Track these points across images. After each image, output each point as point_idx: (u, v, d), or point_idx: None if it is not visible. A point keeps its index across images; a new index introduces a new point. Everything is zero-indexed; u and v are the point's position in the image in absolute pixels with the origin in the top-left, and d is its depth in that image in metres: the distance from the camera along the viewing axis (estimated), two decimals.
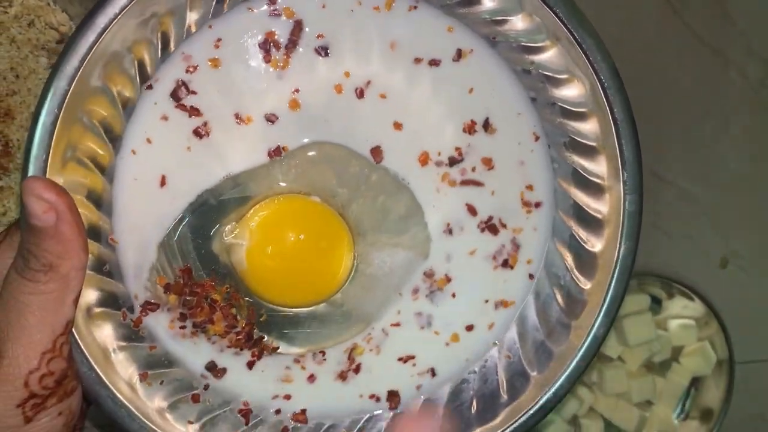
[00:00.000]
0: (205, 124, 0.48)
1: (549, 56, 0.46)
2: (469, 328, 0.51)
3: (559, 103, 0.48)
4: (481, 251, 0.51)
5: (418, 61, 0.48)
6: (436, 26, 0.48)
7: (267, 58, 0.47)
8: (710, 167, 0.76)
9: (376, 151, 0.49)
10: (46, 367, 0.41)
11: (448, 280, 0.51)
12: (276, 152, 0.49)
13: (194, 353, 0.50)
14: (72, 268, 0.41)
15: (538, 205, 0.50)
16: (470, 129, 0.49)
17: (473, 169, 0.50)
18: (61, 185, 0.41)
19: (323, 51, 0.48)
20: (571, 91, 0.47)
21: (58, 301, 0.41)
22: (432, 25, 0.48)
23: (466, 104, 0.49)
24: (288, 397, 0.50)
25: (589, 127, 0.47)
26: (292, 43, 0.47)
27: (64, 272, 0.41)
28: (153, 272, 0.49)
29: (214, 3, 0.46)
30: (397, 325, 0.51)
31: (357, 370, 0.51)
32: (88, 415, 0.64)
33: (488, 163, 0.50)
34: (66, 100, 0.42)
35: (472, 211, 0.50)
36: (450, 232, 0.50)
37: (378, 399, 0.51)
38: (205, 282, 0.49)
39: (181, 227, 0.49)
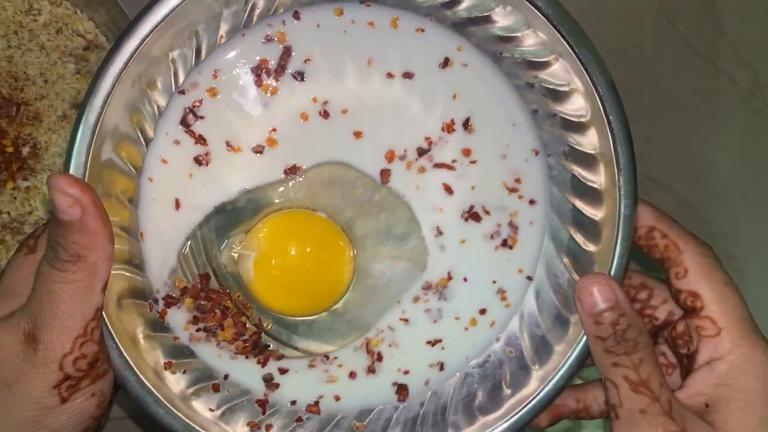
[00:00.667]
0: (207, 154, 0.50)
1: (551, 71, 0.48)
2: (483, 311, 0.53)
3: (560, 115, 0.49)
4: (472, 237, 0.52)
5: (408, 75, 0.51)
6: (444, 44, 0.50)
7: (258, 83, 0.49)
8: (703, 172, 0.76)
9: (385, 173, 0.51)
10: (79, 350, 0.43)
11: (450, 278, 0.53)
12: (292, 170, 0.51)
13: (210, 356, 0.52)
14: (99, 258, 0.43)
15: (532, 202, 0.52)
16: (449, 128, 0.51)
17: (453, 161, 0.52)
18: (84, 181, 0.44)
19: (299, 76, 0.50)
20: (571, 104, 0.48)
21: (88, 288, 0.43)
22: (439, 43, 0.50)
23: (450, 107, 0.51)
24: (337, 398, 0.53)
25: (587, 138, 0.48)
26: (281, 68, 0.49)
27: (91, 262, 0.43)
28: (173, 273, 0.51)
29: (245, 15, 0.48)
30: (406, 320, 0.53)
31: (380, 358, 0.53)
32: (121, 406, 0.66)
33: (468, 153, 0.51)
34: (108, 100, 0.44)
35: (448, 190, 0.52)
36: (440, 233, 0.52)
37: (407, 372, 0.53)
38: (220, 289, 0.52)
39: (197, 236, 0.51)
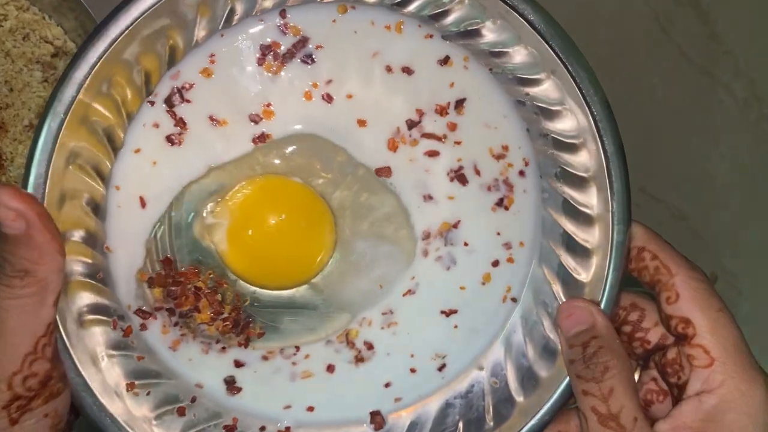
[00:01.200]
0: (180, 133, 0.48)
1: (543, 89, 0.47)
2: (495, 263, 0.52)
3: (552, 135, 0.48)
4: (470, 191, 0.51)
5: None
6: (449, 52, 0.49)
7: (261, 63, 0.48)
8: (699, 184, 0.76)
9: (384, 171, 0.50)
10: (29, 368, 0.41)
11: (455, 225, 0.51)
12: (260, 139, 0.49)
13: (189, 367, 0.50)
14: (49, 271, 0.41)
15: (521, 173, 0.51)
16: (442, 111, 0.50)
17: (444, 137, 0.50)
18: (29, 193, 0.42)
19: (308, 59, 0.49)
20: (564, 124, 0.47)
21: (38, 304, 0.41)
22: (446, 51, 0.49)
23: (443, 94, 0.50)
24: (311, 409, 0.51)
25: (580, 159, 0.47)
26: (290, 54, 0.48)
27: (41, 276, 0.41)
28: (139, 275, 0.49)
29: (222, 21, 0.46)
30: (410, 292, 0.52)
31: (370, 347, 0.52)
32: None
33: (453, 127, 0.50)
34: (72, 107, 0.43)
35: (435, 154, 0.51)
36: (430, 197, 0.51)
37: (414, 370, 0.52)
38: (187, 270, 0.50)
39: (164, 222, 0.49)
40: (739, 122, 0.76)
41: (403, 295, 0.52)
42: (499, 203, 0.51)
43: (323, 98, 0.49)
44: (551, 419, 0.47)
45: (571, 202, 0.48)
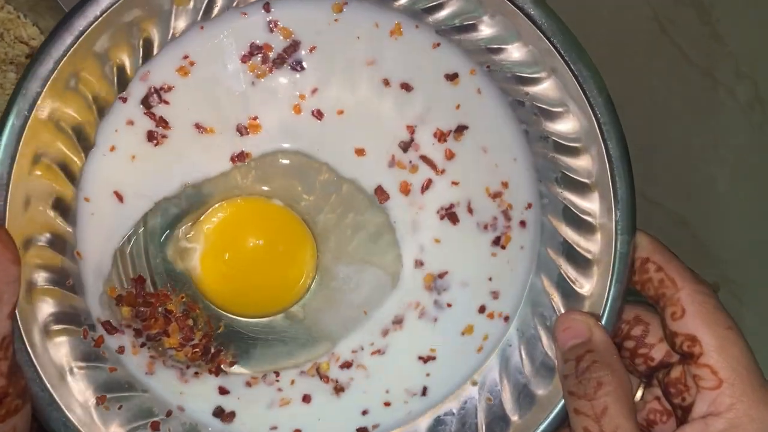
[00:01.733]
0: (164, 135, 0.47)
1: (543, 88, 0.45)
2: (481, 309, 0.50)
3: (552, 137, 0.46)
4: (465, 231, 0.49)
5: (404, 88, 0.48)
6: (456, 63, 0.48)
7: (245, 60, 0.47)
8: (699, 189, 0.75)
9: (381, 192, 0.48)
10: None
11: (441, 275, 0.49)
12: (239, 158, 0.47)
13: (163, 385, 0.48)
14: (2, 282, 0.39)
15: (522, 223, 0.49)
16: (441, 137, 0.48)
17: (445, 171, 0.49)
18: None
19: (298, 65, 0.47)
20: (565, 125, 0.45)
21: None
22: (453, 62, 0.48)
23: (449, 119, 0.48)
24: None
25: (582, 163, 0.45)
26: (281, 59, 0.46)
27: None
28: (108, 282, 0.47)
29: (201, 12, 0.45)
30: (379, 352, 0.50)
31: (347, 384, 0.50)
32: None
33: (451, 157, 0.48)
34: (37, 103, 0.41)
35: (452, 216, 0.49)
36: (421, 250, 0.49)
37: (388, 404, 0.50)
38: (159, 291, 0.48)
39: (135, 237, 0.48)
40: (742, 125, 0.74)
41: (371, 354, 0.50)
42: (496, 242, 0.49)
43: (313, 114, 0.47)
44: None
45: (572, 209, 0.47)
